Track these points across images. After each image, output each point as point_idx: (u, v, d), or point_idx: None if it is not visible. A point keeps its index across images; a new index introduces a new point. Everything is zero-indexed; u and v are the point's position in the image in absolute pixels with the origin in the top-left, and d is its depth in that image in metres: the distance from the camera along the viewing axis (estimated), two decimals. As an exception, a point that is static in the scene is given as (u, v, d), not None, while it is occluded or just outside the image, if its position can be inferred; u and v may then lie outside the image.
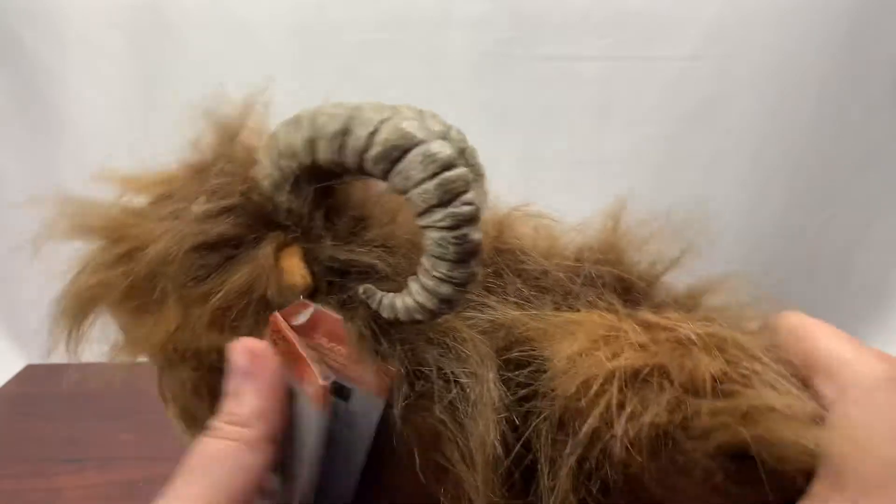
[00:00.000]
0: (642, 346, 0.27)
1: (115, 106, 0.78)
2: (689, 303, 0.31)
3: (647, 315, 0.29)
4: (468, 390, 0.27)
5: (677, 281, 0.32)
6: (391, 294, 0.28)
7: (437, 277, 0.26)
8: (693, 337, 0.27)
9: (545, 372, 0.28)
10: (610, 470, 0.26)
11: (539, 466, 0.27)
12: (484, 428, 0.27)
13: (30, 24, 0.76)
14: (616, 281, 0.31)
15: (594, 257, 0.32)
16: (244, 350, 0.29)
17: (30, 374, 0.79)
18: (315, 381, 0.28)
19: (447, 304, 0.27)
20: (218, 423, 0.28)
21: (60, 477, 0.58)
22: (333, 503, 0.30)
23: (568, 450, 0.26)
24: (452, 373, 0.28)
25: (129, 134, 0.79)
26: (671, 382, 0.26)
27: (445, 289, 0.26)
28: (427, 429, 0.28)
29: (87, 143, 0.79)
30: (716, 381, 0.26)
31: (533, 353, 0.28)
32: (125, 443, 0.62)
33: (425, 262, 0.26)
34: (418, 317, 0.27)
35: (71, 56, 0.77)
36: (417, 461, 0.28)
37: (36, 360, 0.81)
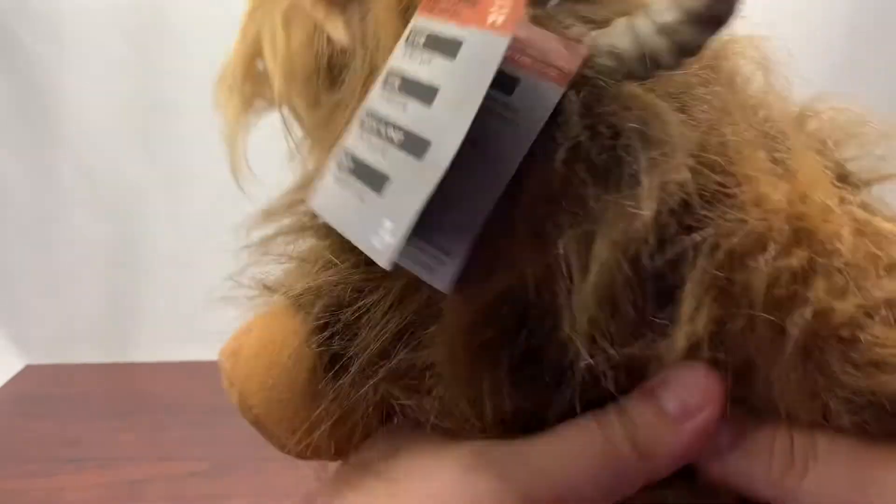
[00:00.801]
0: (858, 232, 0.23)
1: (113, 106, 0.78)
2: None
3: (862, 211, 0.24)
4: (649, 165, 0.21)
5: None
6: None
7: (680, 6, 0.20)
8: None
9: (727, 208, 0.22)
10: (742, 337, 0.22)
11: (680, 291, 0.22)
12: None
13: (28, 24, 0.76)
14: (836, 166, 0.26)
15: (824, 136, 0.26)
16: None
17: (29, 375, 0.79)
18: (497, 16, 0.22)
19: (686, 47, 0.20)
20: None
21: (60, 477, 0.58)
22: (456, 226, 0.23)
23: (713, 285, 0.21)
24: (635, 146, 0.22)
25: (128, 134, 0.79)
26: (865, 289, 0.22)
27: (686, 28, 0.20)
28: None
29: (86, 143, 0.79)
30: None
31: (724, 190, 0.23)
32: (125, 443, 0.62)
33: None
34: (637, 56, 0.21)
35: (69, 56, 0.77)
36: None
37: (35, 361, 0.81)
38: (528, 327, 0.24)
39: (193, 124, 0.77)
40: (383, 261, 0.21)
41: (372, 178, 0.23)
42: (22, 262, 0.81)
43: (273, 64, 0.28)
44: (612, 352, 0.22)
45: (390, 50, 0.25)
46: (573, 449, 0.23)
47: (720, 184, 0.22)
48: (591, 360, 0.22)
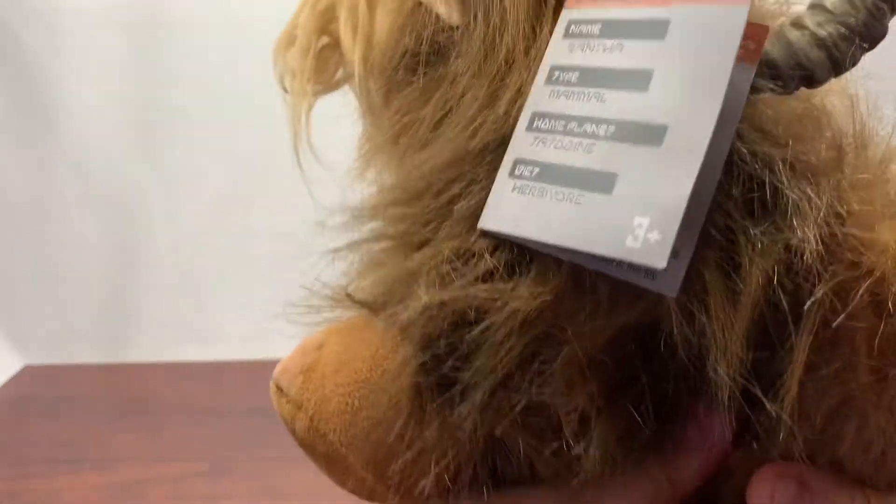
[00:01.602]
0: None
1: (112, 105, 0.78)
2: None
3: None
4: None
5: None
6: None
7: None
8: None
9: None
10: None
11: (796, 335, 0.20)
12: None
13: (27, 23, 0.76)
14: None
15: None
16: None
17: (28, 375, 0.78)
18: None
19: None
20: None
21: (58, 478, 0.57)
22: (695, 207, 0.21)
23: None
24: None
25: (127, 134, 0.79)
26: None
27: None
28: None
29: (84, 142, 0.79)
30: None
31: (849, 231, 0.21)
32: (124, 443, 0.62)
33: None
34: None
35: (67, 55, 0.77)
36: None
37: (34, 361, 0.81)
38: (654, 363, 0.22)
39: (192, 124, 0.77)
40: (657, 260, 0.19)
41: (585, 179, 0.21)
42: (20, 263, 0.81)
43: (351, 43, 0.25)
44: (754, 390, 0.21)
45: (514, 30, 0.23)
46: (632, 495, 0.24)
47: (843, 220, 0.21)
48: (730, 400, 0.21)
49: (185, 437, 0.62)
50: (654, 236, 0.19)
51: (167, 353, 0.80)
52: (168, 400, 0.71)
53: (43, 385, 0.76)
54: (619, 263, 0.20)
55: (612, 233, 0.20)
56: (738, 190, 0.20)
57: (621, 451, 0.22)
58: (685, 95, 0.20)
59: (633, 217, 0.19)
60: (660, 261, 0.19)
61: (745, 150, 0.21)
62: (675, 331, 0.21)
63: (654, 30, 0.21)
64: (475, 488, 0.23)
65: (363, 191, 0.27)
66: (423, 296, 0.22)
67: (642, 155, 0.20)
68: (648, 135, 0.20)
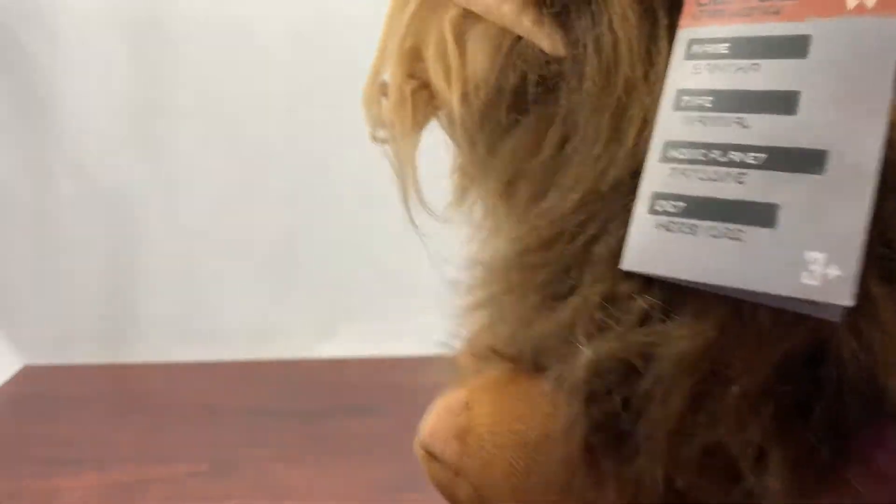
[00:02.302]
0: None
1: (112, 106, 0.78)
2: None
3: None
4: None
5: None
6: None
7: None
8: None
9: None
10: None
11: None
12: None
13: (25, 25, 0.76)
14: None
15: None
16: None
17: (27, 375, 0.78)
18: None
19: None
20: None
21: (58, 478, 0.57)
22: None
23: None
24: None
25: (127, 135, 0.79)
26: None
27: None
28: None
29: (84, 143, 0.79)
30: None
31: None
32: (123, 444, 0.62)
33: None
34: None
35: (67, 56, 0.76)
36: None
37: (34, 361, 0.81)
38: (824, 386, 0.20)
39: (192, 125, 0.77)
40: (841, 297, 0.18)
41: (743, 212, 0.20)
42: (20, 263, 0.81)
43: (444, 85, 0.24)
44: None
45: (630, 57, 0.22)
46: None
47: None
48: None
49: (185, 437, 0.62)
50: (833, 272, 0.18)
51: (167, 353, 0.80)
52: (168, 400, 0.71)
53: (42, 385, 0.76)
54: (790, 299, 0.19)
55: (783, 269, 0.19)
56: (893, 198, 0.19)
57: (801, 482, 0.21)
58: (841, 117, 0.19)
59: (805, 251, 0.19)
60: (845, 298, 0.18)
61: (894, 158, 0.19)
62: (844, 349, 0.20)
63: (794, 46, 0.20)
64: None
65: (481, 243, 0.25)
66: (587, 349, 0.21)
67: (804, 183, 0.19)
68: (806, 161, 0.19)
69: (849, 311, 0.19)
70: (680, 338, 0.20)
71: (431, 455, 0.24)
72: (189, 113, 0.76)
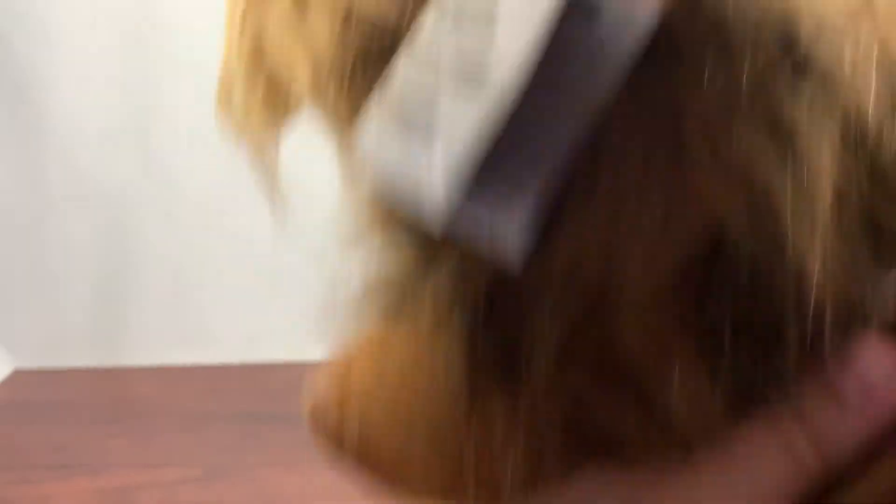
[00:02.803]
0: None
1: (104, 108, 0.77)
2: None
3: None
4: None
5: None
6: None
7: None
8: None
9: None
10: None
11: None
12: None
13: (19, 26, 0.76)
14: None
15: None
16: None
17: (17, 379, 0.78)
18: None
19: None
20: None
21: (48, 484, 0.57)
22: (527, 159, 0.18)
23: None
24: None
25: (119, 137, 0.78)
26: None
27: None
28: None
29: (76, 145, 0.78)
30: None
31: None
32: (115, 448, 0.62)
33: None
34: None
35: (60, 58, 0.76)
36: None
37: (24, 365, 0.80)
38: (729, 285, 0.18)
39: (185, 127, 0.77)
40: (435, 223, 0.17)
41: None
42: (10, 265, 0.80)
43: (291, 72, 0.23)
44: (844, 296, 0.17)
45: None
46: (757, 474, 0.20)
47: None
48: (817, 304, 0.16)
49: (177, 442, 0.62)
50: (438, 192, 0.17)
51: (160, 356, 0.79)
52: (160, 404, 0.71)
53: (33, 389, 0.75)
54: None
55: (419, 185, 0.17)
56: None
57: (718, 400, 0.18)
58: (507, 39, 0.17)
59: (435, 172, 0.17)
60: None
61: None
62: (734, 240, 0.17)
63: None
64: (562, 476, 0.20)
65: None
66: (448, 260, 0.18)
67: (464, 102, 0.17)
68: (473, 81, 0.17)
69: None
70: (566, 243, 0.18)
71: (316, 426, 0.21)
72: (184, 116, 0.76)
